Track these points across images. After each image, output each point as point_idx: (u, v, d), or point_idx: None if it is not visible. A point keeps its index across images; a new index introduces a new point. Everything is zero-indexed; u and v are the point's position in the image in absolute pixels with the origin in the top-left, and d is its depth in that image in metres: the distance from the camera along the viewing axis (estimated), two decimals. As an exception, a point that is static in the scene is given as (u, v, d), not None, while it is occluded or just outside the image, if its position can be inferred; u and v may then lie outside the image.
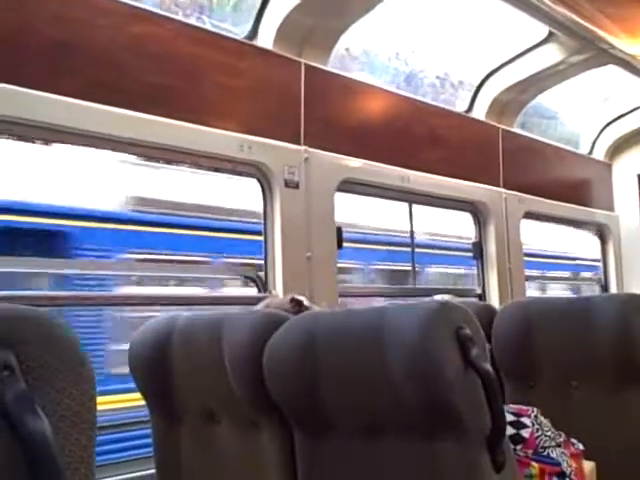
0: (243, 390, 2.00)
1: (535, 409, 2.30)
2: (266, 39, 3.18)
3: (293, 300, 2.30)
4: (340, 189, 3.44)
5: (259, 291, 3.07)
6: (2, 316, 1.02)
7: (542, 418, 2.29)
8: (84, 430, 1.02)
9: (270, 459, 2.00)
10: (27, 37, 2.38)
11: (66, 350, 1.04)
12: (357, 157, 3.51)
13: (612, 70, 4.58)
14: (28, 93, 2.34)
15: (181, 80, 2.83)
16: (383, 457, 1.85)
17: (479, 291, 4.35)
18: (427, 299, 2.71)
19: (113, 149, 2.67)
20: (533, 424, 2.23)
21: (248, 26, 3.21)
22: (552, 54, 4.26)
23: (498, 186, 4.41)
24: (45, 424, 0.94)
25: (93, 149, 2.64)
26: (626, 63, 4.45)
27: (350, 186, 3.53)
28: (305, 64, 3.27)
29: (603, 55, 4.26)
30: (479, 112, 4.43)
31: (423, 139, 3.98)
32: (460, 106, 4.52)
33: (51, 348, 1.02)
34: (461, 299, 3.28)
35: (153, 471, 2.35)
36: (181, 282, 4.58)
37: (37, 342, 1.01)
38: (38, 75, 2.38)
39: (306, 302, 2.30)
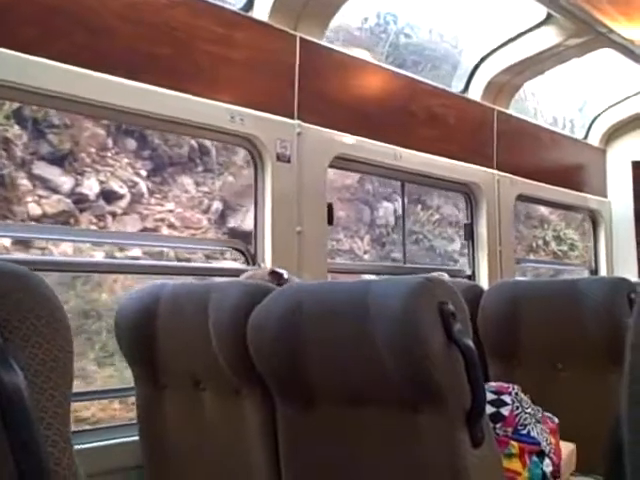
0: (227, 358, 2.02)
1: (516, 386, 2.32)
2: (262, 11, 3.15)
3: (273, 273, 2.32)
4: (332, 165, 3.43)
5: (247, 264, 3.07)
6: None
7: (522, 395, 2.30)
8: (59, 386, 1.02)
9: (253, 428, 2.03)
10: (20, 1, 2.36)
11: (42, 305, 1.03)
12: (351, 133, 3.49)
13: (609, 54, 4.57)
14: (19, 56, 2.32)
15: (174, 49, 2.81)
16: (364, 428, 1.87)
17: (469, 272, 4.36)
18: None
19: (100, 116, 2.66)
20: (513, 402, 2.25)
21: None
22: (550, 36, 4.24)
23: (491, 168, 4.41)
24: (19, 377, 0.94)
25: (80, 115, 2.62)
26: (624, 48, 4.43)
27: (343, 162, 3.52)
28: (301, 38, 3.25)
29: (601, 39, 4.24)
30: (475, 93, 4.42)
31: (418, 118, 3.96)
32: (456, 86, 4.50)
33: (27, 302, 1.02)
34: (450, 278, 3.28)
35: (136, 438, 2.36)
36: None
37: (13, 296, 1.01)
38: (30, 38, 2.36)
39: (286, 275, 2.32)
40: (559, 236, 9.72)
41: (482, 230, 4.33)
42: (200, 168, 7.15)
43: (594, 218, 5.58)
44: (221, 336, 2.01)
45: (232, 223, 6.98)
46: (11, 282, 1.02)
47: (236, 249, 3.15)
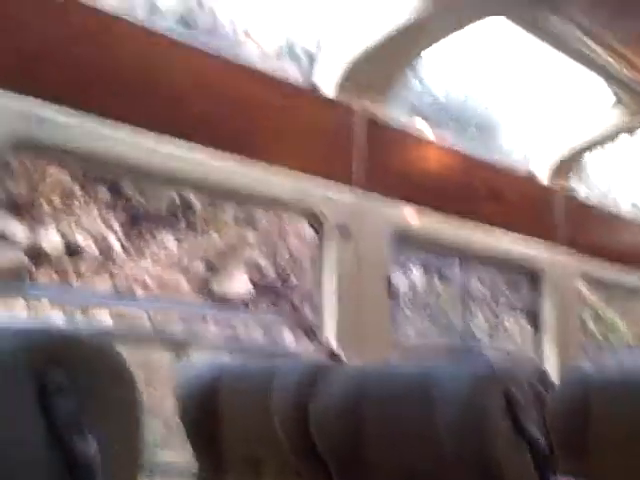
0: (288, 439, 2.01)
1: None
2: (327, 85, 3.20)
3: (331, 353, 2.30)
4: (393, 239, 3.39)
5: (310, 340, 3.02)
6: (56, 336, 1.06)
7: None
8: (129, 459, 1.03)
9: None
10: (117, 73, 2.47)
11: (121, 380, 1.06)
12: (413, 209, 3.47)
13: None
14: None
15: (242, 119, 2.86)
16: None
17: (535, 358, 4.22)
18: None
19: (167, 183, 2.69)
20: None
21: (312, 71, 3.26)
22: (617, 117, 4.20)
23: (557, 248, 4.31)
24: (93, 448, 0.96)
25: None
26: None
27: (404, 237, 3.49)
28: (364, 111, 3.28)
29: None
30: (541, 172, 4.37)
31: (481, 195, 3.93)
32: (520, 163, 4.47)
33: (107, 377, 1.05)
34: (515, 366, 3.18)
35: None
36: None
37: (96, 368, 1.04)
38: (115, 107, 2.43)
39: (343, 356, 2.29)
40: (598, 315, 9.12)
41: (547, 314, 4.21)
42: (182, 224, 6.57)
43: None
44: (283, 416, 2.00)
45: (215, 286, 6.35)
46: (86, 350, 1.05)
47: (299, 324, 3.12)
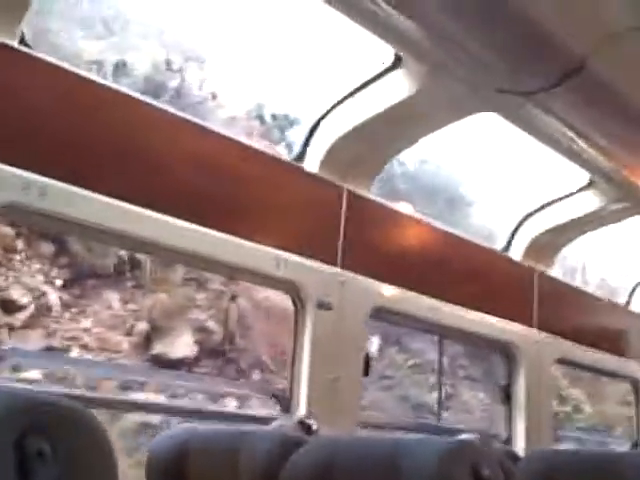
0: None
1: None
2: (312, 162, 3.29)
3: (302, 423, 2.30)
4: (372, 315, 3.44)
5: (282, 410, 3.03)
6: (38, 404, 1.06)
7: None
8: None
9: None
10: (94, 144, 2.52)
11: (95, 441, 1.07)
12: (392, 285, 3.53)
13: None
14: (75, 191, 2.43)
15: (228, 193, 2.93)
16: None
17: (505, 435, 4.22)
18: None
19: (150, 252, 2.72)
20: None
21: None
22: (591, 201, 4.31)
23: (532, 328, 4.37)
24: None
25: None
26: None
27: (383, 313, 3.53)
28: (348, 190, 3.36)
29: (641, 205, 4.30)
30: (516, 251, 4.46)
31: (458, 273, 3.99)
32: (497, 244, 4.56)
33: (81, 438, 1.05)
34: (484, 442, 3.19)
35: None
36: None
37: (69, 431, 1.04)
38: (90, 174, 2.49)
39: (315, 426, 2.29)
40: (560, 395, 8.89)
41: (520, 393, 4.23)
42: (129, 283, 6.40)
43: (637, 386, 5.42)
44: None
45: (158, 349, 6.21)
46: (67, 417, 1.06)
47: (273, 395, 3.13)
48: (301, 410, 2.98)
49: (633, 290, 5.57)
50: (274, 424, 2.40)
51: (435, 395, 7.48)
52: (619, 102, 3.16)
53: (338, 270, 3.26)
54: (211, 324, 6.16)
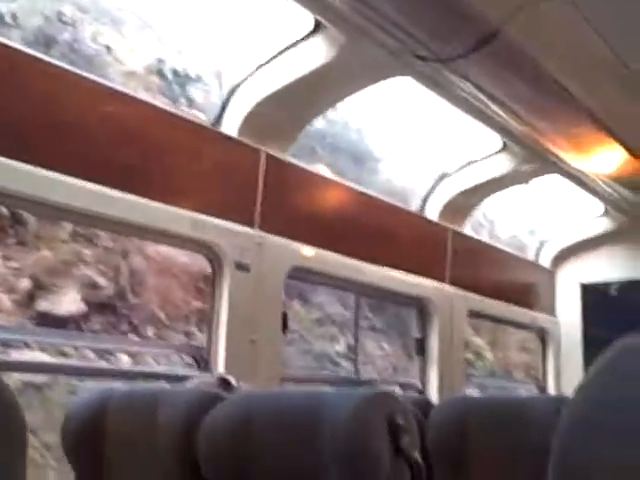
0: (176, 468, 2.00)
1: None
2: (230, 126, 3.29)
3: (221, 380, 2.33)
4: (290, 276, 3.50)
5: (200, 371, 3.07)
6: None
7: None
8: None
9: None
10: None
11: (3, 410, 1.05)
12: (310, 245, 3.59)
13: (562, 181, 4.81)
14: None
15: (145, 158, 2.92)
16: None
17: (420, 386, 4.39)
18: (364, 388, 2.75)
19: (66, 218, 2.70)
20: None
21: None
22: (504, 162, 4.47)
23: (444, 283, 4.52)
24: None
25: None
26: (574, 177, 4.68)
27: (301, 273, 3.60)
28: (266, 153, 3.39)
29: (552, 166, 4.48)
30: (431, 212, 4.59)
31: (376, 234, 4.09)
32: (414, 205, 4.68)
33: None
34: (400, 392, 3.32)
35: None
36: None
37: None
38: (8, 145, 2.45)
39: (234, 383, 2.33)
40: (466, 343, 9.31)
41: (433, 345, 4.40)
42: (11, 240, 6.09)
43: (543, 336, 5.70)
44: (170, 445, 1.99)
45: (43, 306, 5.91)
46: None
47: (191, 355, 3.16)
48: (219, 369, 3.03)
49: (542, 246, 5.82)
50: (192, 382, 2.42)
51: (337, 347, 7.59)
52: (532, 68, 3.27)
53: (256, 232, 3.30)
54: (100, 280, 6.00)
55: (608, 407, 0.56)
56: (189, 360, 3.15)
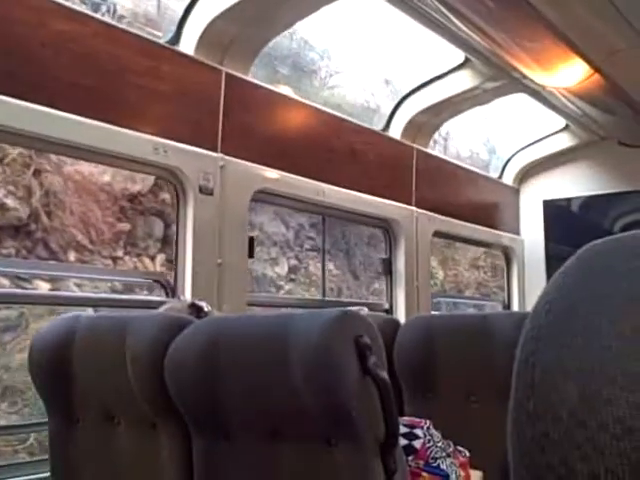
0: (143, 391, 2.01)
1: (428, 421, 2.38)
2: (188, 45, 3.19)
3: (193, 305, 2.33)
4: (255, 199, 3.47)
5: (167, 296, 3.06)
6: None
7: (434, 430, 2.36)
8: None
9: (168, 462, 2.01)
10: None
11: None
12: (274, 168, 3.54)
13: (524, 98, 4.79)
14: None
15: (99, 80, 2.82)
16: (282, 462, 1.88)
17: (387, 306, 4.44)
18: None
19: (19, 143, 2.62)
20: (425, 435, 2.31)
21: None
22: (467, 80, 4.42)
23: (410, 205, 4.53)
24: None
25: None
26: (536, 93, 4.65)
27: (265, 196, 3.56)
28: (226, 72, 3.30)
29: (515, 84, 4.45)
30: (395, 131, 4.54)
31: (340, 154, 4.05)
32: (378, 125, 4.63)
33: None
34: (368, 312, 3.35)
35: (48, 474, 2.31)
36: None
37: None
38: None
39: (206, 308, 2.32)
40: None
41: (400, 265, 4.43)
42: None
43: (507, 255, 5.77)
44: (138, 369, 2.00)
45: None
46: None
47: (155, 280, 3.14)
48: (186, 295, 3.02)
49: (505, 164, 5.84)
50: (162, 308, 2.41)
51: (277, 269, 7.47)
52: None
53: (219, 155, 3.24)
54: (9, 201, 5.66)
55: (573, 313, 0.56)
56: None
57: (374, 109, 5.06)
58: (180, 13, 3.24)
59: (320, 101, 4.58)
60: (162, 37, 3.36)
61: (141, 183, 6.27)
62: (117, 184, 6.10)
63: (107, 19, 2.99)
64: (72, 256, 5.91)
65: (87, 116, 2.71)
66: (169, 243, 6.50)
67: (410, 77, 4.63)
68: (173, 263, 3.13)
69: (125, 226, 6.36)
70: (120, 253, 6.31)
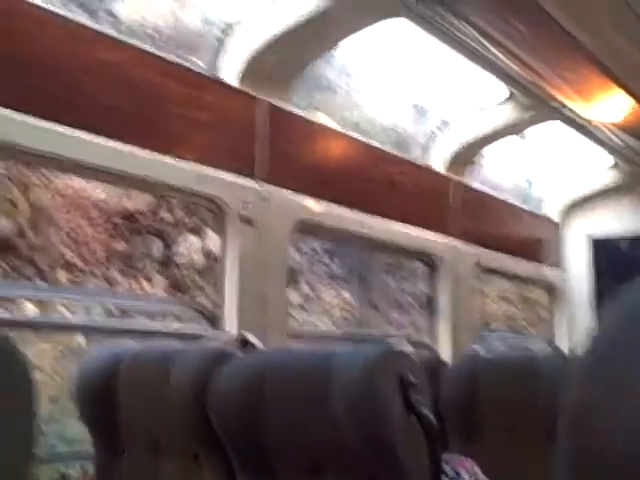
0: (188, 423, 2.02)
1: (472, 460, 2.32)
2: (229, 74, 3.21)
3: (240, 338, 2.32)
4: (296, 229, 3.44)
5: (211, 327, 3.03)
6: None
7: (477, 469, 2.31)
8: (24, 441, 1.02)
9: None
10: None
11: (7, 360, 1.04)
12: (315, 198, 3.52)
13: (567, 131, 4.72)
14: None
15: (142, 108, 2.84)
16: None
17: (430, 342, 4.36)
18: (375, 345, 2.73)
19: (63, 169, 2.64)
20: (470, 475, 2.25)
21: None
22: (507, 111, 4.38)
23: (452, 237, 4.46)
24: None
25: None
26: (579, 125, 4.59)
27: (306, 227, 3.54)
28: (267, 102, 3.30)
29: (555, 114, 4.39)
30: (437, 163, 4.51)
31: (380, 185, 4.02)
32: (418, 156, 4.60)
33: None
34: (411, 349, 3.29)
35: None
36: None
37: None
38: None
39: (253, 340, 2.31)
40: None
41: (443, 300, 4.36)
42: None
43: (551, 290, 5.66)
44: (182, 401, 2.01)
45: None
46: None
47: (199, 311, 3.12)
48: (230, 327, 2.99)
49: (549, 198, 5.75)
50: (209, 340, 2.43)
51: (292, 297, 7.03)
52: (534, 11, 3.18)
53: (260, 185, 3.23)
54: None
55: (623, 353, 0.53)
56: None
57: (399, 132, 5.00)
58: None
59: (337, 118, 4.54)
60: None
61: (139, 201, 6.02)
62: (112, 200, 5.83)
63: (156, 51, 2.99)
64: (63, 276, 5.72)
65: (127, 142, 2.72)
66: (169, 265, 6.34)
67: (442, 104, 4.59)
68: (217, 294, 3.09)
69: (120, 245, 6.08)
70: (114, 274, 6.04)
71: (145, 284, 6.32)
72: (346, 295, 7.56)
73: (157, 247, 6.41)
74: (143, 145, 2.77)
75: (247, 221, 3.13)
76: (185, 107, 3.01)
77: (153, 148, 2.81)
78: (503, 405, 2.89)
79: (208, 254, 6.50)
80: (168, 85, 2.95)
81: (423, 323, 5.06)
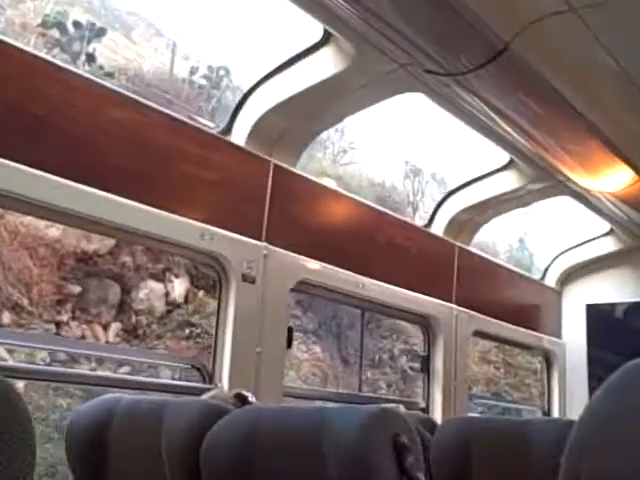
0: (180, 478, 1.98)
1: None
2: (239, 136, 3.28)
3: (238, 395, 2.32)
4: (296, 289, 3.48)
5: (204, 382, 3.04)
6: None
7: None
8: None
9: None
10: (9, 110, 2.44)
11: (13, 415, 1.04)
12: (316, 259, 3.57)
13: (567, 201, 4.79)
14: (7, 165, 2.38)
15: (153, 166, 2.91)
16: None
17: (423, 404, 4.35)
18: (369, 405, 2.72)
19: (72, 224, 2.70)
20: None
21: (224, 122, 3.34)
22: (511, 180, 4.45)
23: (450, 302, 4.49)
24: None
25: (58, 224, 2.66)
26: (581, 196, 4.65)
27: (306, 287, 3.57)
28: (274, 164, 3.38)
29: (559, 186, 4.46)
30: (437, 228, 4.56)
31: (381, 248, 4.07)
32: (420, 221, 4.66)
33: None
34: (404, 411, 3.28)
35: None
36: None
37: None
38: (18, 148, 2.43)
39: (251, 398, 2.31)
40: (412, 350, 8.24)
41: (438, 363, 4.36)
42: None
43: (548, 358, 5.65)
44: (173, 456, 1.98)
45: None
46: None
47: (193, 366, 3.14)
48: (224, 382, 3.00)
49: (548, 266, 5.78)
50: (206, 395, 2.41)
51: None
52: (540, 85, 3.25)
53: (262, 244, 3.28)
54: None
55: (620, 424, 0.55)
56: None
57: (388, 188, 5.07)
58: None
59: (331, 175, 4.62)
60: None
61: (98, 243, 5.84)
62: (67, 240, 5.66)
63: (167, 110, 3.08)
64: (6, 317, 5.46)
65: (136, 200, 2.78)
66: (126, 311, 6.18)
67: (454, 174, 4.68)
68: (211, 349, 3.11)
69: (75, 288, 5.90)
70: (65, 318, 5.86)
71: (98, 330, 6.08)
72: (317, 349, 7.39)
73: (114, 292, 6.22)
74: (150, 202, 2.83)
75: (249, 279, 3.17)
76: (194, 166, 3.08)
77: (160, 206, 2.87)
78: (495, 469, 2.86)
79: (169, 301, 6.45)
80: (179, 145, 3.03)
81: (397, 381, 4.98)
